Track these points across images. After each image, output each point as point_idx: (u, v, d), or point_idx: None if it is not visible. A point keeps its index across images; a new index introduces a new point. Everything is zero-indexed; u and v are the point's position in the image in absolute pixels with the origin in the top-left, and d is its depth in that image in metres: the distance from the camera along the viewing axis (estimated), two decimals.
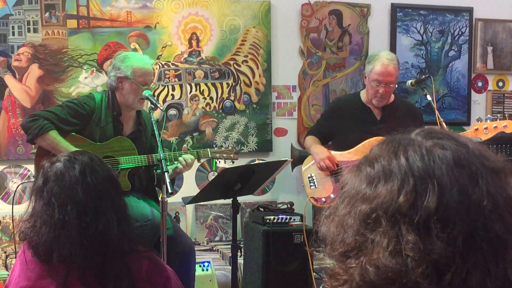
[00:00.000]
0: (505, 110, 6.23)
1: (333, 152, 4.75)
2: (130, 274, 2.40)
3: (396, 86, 4.80)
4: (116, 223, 2.40)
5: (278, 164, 4.09)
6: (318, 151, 4.75)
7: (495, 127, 4.46)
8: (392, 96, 4.87)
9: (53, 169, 2.46)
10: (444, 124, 4.48)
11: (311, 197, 4.73)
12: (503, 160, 1.19)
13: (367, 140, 4.53)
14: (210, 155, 4.37)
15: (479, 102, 6.23)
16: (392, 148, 1.19)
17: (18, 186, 5.00)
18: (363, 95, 4.85)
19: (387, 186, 1.14)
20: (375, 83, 4.64)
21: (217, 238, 5.51)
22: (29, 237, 2.44)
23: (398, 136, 1.22)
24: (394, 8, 5.96)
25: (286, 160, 4.12)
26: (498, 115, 6.08)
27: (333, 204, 1.24)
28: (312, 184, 4.78)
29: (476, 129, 4.49)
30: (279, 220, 4.61)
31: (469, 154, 1.15)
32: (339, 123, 4.84)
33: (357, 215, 1.15)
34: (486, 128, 4.46)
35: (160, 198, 3.69)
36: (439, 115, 4.51)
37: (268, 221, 4.56)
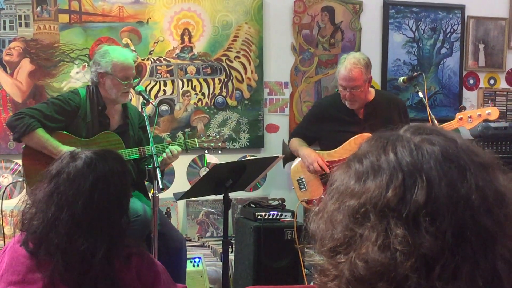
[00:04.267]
0: (496, 107, 6.24)
1: (320, 152, 4.76)
2: (113, 280, 2.36)
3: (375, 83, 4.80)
4: (105, 247, 2.29)
5: (270, 160, 4.09)
6: (306, 154, 4.76)
7: (479, 115, 4.51)
8: (372, 91, 4.86)
9: (70, 167, 2.37)
10: (435, 121, 4.50)
11: (302, 200, 4.74)
12: (491, 155, 1.19)
13: (352, 138, 4.56)
14: (197, 145, 4.37)
15: (470, 100, 6.25)
16: (380, 144, 1.20)
17: (8, 184, 4.99)
18: None
19: (375, 181, 1.14)
20: (341, 88, 4.65)
21: (208, 234, 5.51)
22: (23, 223, 2.37)
23: (387, 133, 1.23)
24: (387, 5, 5.97)
25: (278, 156, 4.12)
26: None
27: (322, 201, 1.24)
28: (302, 186, 4.79)
29: (461, 118, 4.52)
30: (271, 216, 4.61)
31: (458, 149, 1.15)
32: (324, 126, 4.85)
33: (346, 210, 1.15)
34: (470, 117, 4.50)
35: (151, 194, 3.69)
36: (430, 112, 4.52)
37: (259, 217, 4.56)
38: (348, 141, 4.59)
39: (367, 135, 4.42)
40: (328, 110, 4.89)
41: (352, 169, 1.20)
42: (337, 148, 4.68)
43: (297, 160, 4.90)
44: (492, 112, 4.54)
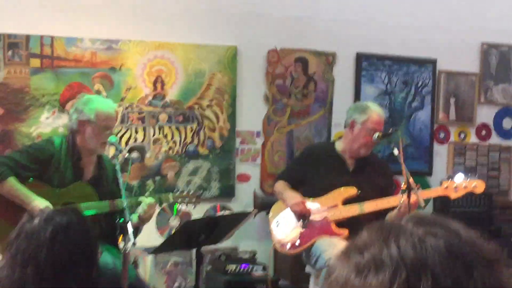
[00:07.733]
0: (466, 161, 6.28)
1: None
2: None
3: None
4: None
5: (243, 216, 4.05)
6: (291, 195, 4.72)
7: (465, 187, 4.52)
8: None
9: (27, 225, 2.38)
10: (411, 178, 4.42)
11: (276, 242, 4.68)
12: (495, 249, 1.17)
13: (337, 190, 4.54)
14: (171, 200, 4.30)
15: (441, 154, 6.28)
16: (382, 236, 1.16)
17: None
18: (339, 145, 4.85)
19: (378, 277, 1.10)
20: (371, 131, 4.65)
21: (176, 285, 5.40)
22: None
23: (388, 223, 1.19)
24: (359, 57, 6.01)
25: (251, 212, 4.09)
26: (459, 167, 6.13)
27: None
28: (279, 230, 4.73)
29: (446, 188, 4.53)
30: (241, 270, 4.54)
31: (462, 244, 1.12)
32: (311, 169, 4.80)
33: None
34: (456, 188, 4.50)
35: (121, 248, 3.61)
36: (406, 170, 4.41)
37: (230, 271, 4.50)
38: (332, 192, 4.57)
39: (352, 189, 4.45)
40: (319, 155, 4.87)
41: (352, 261, 1.16)
42: (321, 197, 4.64)
43: (278, 204, 4.84)
44: (478, 185, 4.56)
